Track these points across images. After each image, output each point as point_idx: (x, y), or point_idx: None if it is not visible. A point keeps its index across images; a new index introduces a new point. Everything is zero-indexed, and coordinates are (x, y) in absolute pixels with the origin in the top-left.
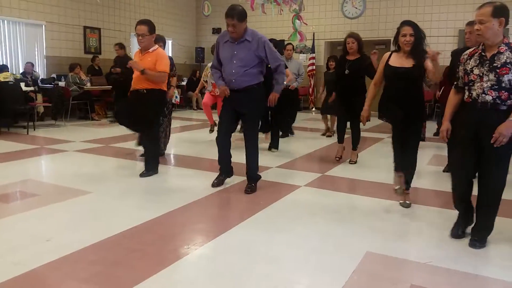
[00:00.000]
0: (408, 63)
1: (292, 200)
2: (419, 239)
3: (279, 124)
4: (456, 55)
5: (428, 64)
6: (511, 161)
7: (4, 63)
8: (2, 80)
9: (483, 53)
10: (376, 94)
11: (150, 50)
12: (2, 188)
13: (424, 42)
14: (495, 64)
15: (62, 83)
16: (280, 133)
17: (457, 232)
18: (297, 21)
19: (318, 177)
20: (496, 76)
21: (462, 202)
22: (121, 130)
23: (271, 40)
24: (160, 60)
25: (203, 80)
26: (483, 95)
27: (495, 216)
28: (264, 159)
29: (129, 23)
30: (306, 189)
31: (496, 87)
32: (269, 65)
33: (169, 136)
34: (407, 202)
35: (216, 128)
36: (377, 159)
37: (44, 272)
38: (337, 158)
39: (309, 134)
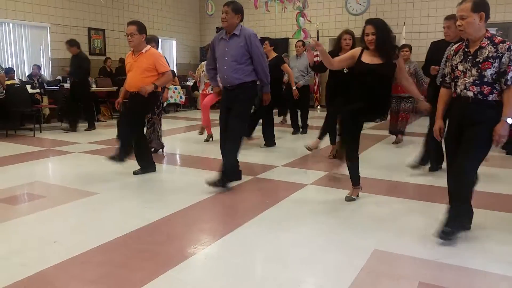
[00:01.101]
0: (378, 60)
1: (298, 198)
2: (426, 236)
3: (297, 120)
4: (434, 47)
5: (401, 63)
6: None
7: (10, 66)
8: (9, 83)
9: (466, 49)
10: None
11: (143, 51)
12: (9, 190)
13: (392, 39)
14: (477, 59)
15: (67, 85)
16: (301, 130)
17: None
18: (301, 18)
19: (323, 175)
20: (479, 71)
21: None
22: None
23: (266, 38)
24: (158, 62)
25: (197, 76)
26: (465, 90)
27: (463, 209)
28: (270, 158)
29: None
30: (312, 187)
31: (478, 82)
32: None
33: (160, 135)
34: (353, 197)
35: (205, 132)
36: (381, 157)
37: (51, 273)
38: (331, 157)
39: (315, 132)
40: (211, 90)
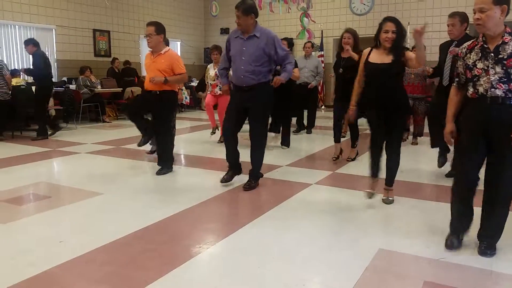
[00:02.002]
0: (388, 59)
1: (303, 198)
2: (431, 236)
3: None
4: (443, 49)
5: (409, 54)
6: None
7: (16, 68)
8: (14, 84)
9: (485, 45)
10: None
11: (162, 52)
12: (15, 190)
13: (405, 39)
14: (500, 56)
15: (73, 86)
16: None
17: (453, 243)
18: (305, 19)
19: (328, 175)
20: (504, 68)
21: (463, 206)
22: (131, 131)
23: (287, 38)
24: (176, 63)
25: (207, 82)
26: (492, 89)
27: (505, 220)
28: (274, 157)
29: (138, 25)
30: (317, 187)
31: (505, 79)
32: (277, 66)
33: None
34: (390, 198)
35: (217, 131)
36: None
37: (57, 273)
38: (334, 158)
39: (319, 132)
40: (219, 90)
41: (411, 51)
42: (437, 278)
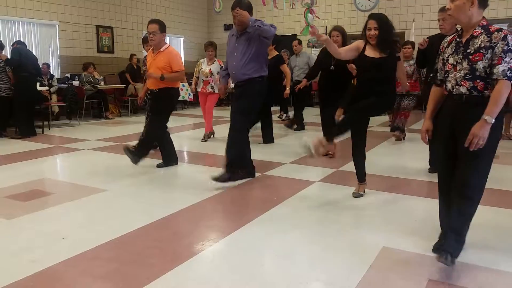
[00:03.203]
0: (381, 54)
1: (306, 195)
2: (436, 234)
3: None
4: (435, 42)
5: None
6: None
7: None
8: None
9: (458, 39)
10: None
11: (162, 49)
12: (18, 187)
13: (393, 34)
14: (468, 50)
15: (76, 83)
16: (295, 126)
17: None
18: (309, 15)
19: (332, 172)
20: (469, 63)
21: (445, 206)
22: (135, 128)
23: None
24: (173, 60)
25: (195, 77)
26: (457, 86)
27: (466, 225)
28: (277, 155)
29: (141, 21)
30: (320, 185)
31: (470, 76)
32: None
33: None
34: (361, 192)
35: (212, 136)
36: (389, 154)
37: (60, 269)
38: (330, 156)
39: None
40: (210, 88)
41: (404, 48)
42: (442, 276)
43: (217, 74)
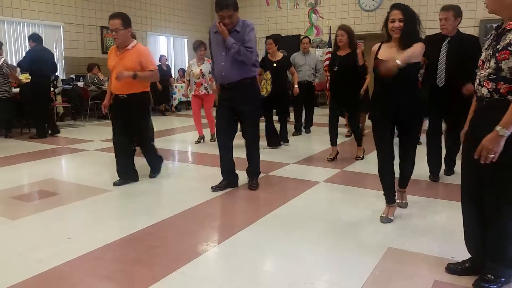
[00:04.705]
0: (398, 54)
1: (311, 196)
2: (441, 234)
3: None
4: (435, 43)
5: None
6: None
7: None
8: (25, 80)
9: (495, 31)
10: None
11: (129, 47)
12: (24, 187)
13: (420, 28)
14: (498, 46)
15: (80, 84)
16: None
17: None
18: (313, 15)
19: (336, 173)
20: (496, 62)
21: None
22: None
23: (273, 36)
24: (146, 58)
25: (186, 80)
26: (479, 87)
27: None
28: (282, 156)
29: (146, 22)
30: (325, 185)
31: (494, 76)
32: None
33: None
34: (404, 202)
35: (202, 141)
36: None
37: (65, 269)
38: (329, 159)
39: (327, 130)
40: (204, 89)
41: None
42: (448, 277)
43: (209, 74)
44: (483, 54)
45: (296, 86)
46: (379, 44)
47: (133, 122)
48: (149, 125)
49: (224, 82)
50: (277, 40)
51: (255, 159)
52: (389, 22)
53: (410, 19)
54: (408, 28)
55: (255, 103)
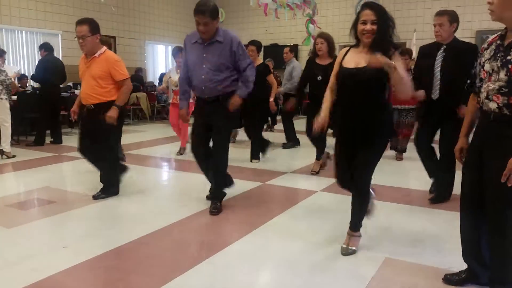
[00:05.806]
0: (364, 61)
1: (308, 205)
2: (438, 245)
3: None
4: (428, 53)
5: (397, 58)
6: None
7: (23, 73)
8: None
9: (499, 41)
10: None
11: (97, 54)
12: (20, 195)
13: (393, 33)
14: (509, 57)
15: (78, 92)
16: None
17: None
18: (310, 25)
19: (333, 182)
20: (508, 74)
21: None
22: (138, 136)
23: (254, 42)
24: (114, 68)
25: (165, 87)
26: (486, 100)
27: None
28: (278, 164)
29: (144, 31)
30: (322, 194)
31: (506, 90)
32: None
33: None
34: (351, 248)
35: (185, 152)
36: (394, 165)
37: (61, 278)
38: (313, 173)
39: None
40: None
41: (405, 56)
42: (445, 287)
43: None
44: (487, 65)
45: (271, 99)
46: (347, 49)
47: (99, 132)
48: (116, 137)
49: (204, 96)
50: (260, 47)
51: (220, 178)
52: (359, 24)
53: (384, 21)
54: (381, 33)
55: (232, 116)
